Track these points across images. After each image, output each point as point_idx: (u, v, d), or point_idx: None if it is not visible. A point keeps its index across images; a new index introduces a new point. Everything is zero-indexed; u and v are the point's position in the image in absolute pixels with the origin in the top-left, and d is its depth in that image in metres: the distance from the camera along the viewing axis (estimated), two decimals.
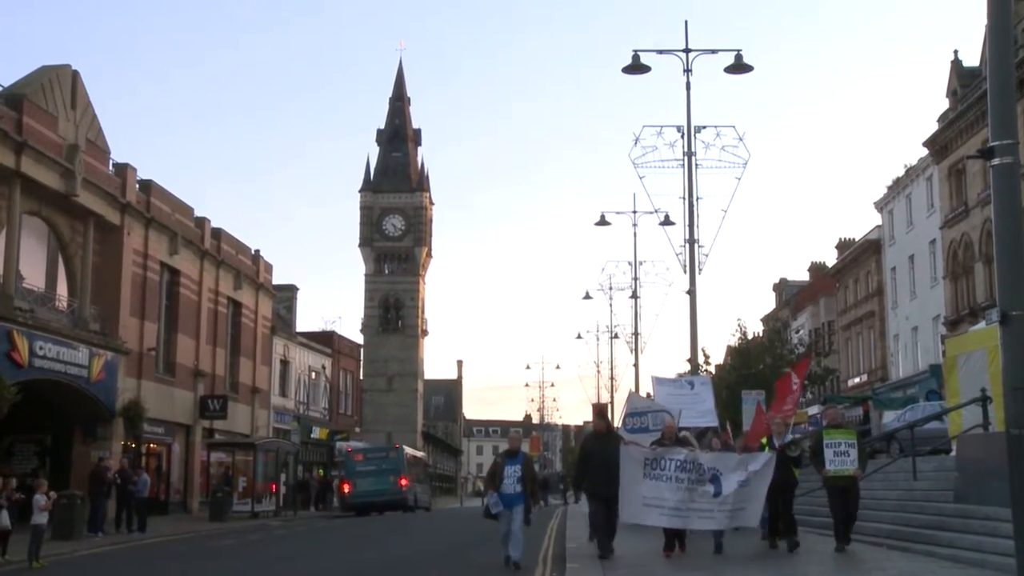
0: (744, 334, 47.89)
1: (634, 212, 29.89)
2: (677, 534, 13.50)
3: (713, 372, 40.65)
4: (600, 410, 14.34)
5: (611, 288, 36.21)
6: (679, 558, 13.36)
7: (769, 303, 71.74)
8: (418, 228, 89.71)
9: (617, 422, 18.31)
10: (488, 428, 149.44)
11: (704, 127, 19.69)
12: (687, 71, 19.29)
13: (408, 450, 46.33)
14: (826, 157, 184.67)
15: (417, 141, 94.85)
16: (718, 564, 13.02)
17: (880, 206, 48.78)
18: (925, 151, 41.89)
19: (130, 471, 26.95)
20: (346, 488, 39.75)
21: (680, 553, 13.50)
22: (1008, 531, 7.86)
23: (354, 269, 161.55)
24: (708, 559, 13.37)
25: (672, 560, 13.28)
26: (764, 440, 14.99)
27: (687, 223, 19.50)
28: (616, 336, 42.17)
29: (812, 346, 50.54)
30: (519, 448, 13.43)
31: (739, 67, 19.15)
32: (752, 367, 39.73)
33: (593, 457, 13.39)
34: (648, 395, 21.51)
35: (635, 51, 19.06)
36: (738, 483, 12.98)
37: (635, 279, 32.89)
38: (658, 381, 19.77)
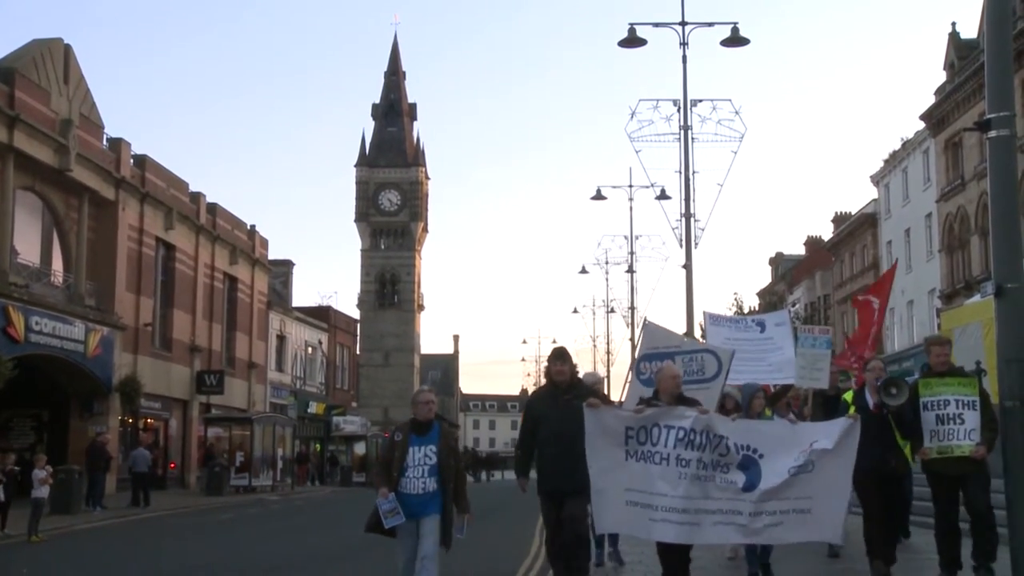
0: (740, 308, 48.33)
1: (630, 186, 29.89)
2: (680, 555, 7.84)
3: None
4: (559, 351, 8.43)
5: (607, 262, 36.24)
6: None
7: (765, 277, 71.81)
8: (414, 203, 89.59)
9: (617, 394, 15.14)
10: (485, 402, 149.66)
11: (700, 101, 19.56)
12: (683, 44, 19.16)
13: None
14: (822, 131, 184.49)
15: (412, 116, 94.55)
16: None
17: (876, 180, 48.72)
18: (922, 124, 41.80)
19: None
20: None
21: None
22: (1001, 502, 7.89)
23: (350, 244, 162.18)
24: None
25: None
26: (848, 396, 9.23)
27: (683, 197, 19.43)
28: (612, 310, 42.17)
29: (810, 320, 50.78)
30: (433, 418, 7.94)
31: (735, 40, 19.02)
32: None
33: (542, 426, 8.15)
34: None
35: (631, 24, 18.93)
36: (791, 470, 7.61)
37: (631, 253, 32.90)
38: (712, 319, 13.77)
